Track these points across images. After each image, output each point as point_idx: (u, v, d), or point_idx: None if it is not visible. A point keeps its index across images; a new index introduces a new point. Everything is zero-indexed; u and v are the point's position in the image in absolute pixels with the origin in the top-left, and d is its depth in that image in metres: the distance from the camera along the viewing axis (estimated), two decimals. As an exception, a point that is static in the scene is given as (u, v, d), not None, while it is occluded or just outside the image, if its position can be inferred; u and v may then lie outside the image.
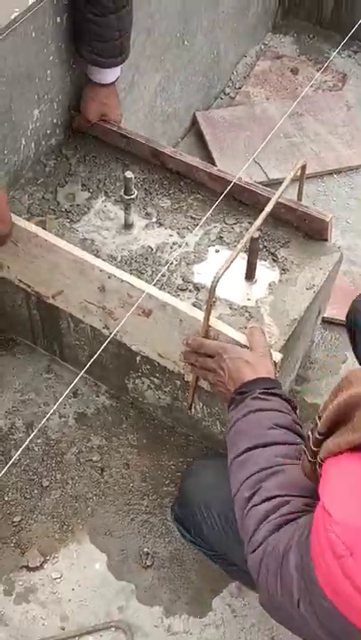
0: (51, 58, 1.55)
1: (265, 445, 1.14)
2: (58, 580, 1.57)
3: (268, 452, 1.14)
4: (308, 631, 0.93)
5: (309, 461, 0.98)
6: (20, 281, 1.62)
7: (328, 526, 0.79)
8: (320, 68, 2.52)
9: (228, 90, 2.53)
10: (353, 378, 0.86)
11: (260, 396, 1.21)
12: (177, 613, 1.55)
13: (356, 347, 1.58)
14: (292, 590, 0.92)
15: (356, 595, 0.76)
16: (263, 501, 1.07)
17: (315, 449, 0.95)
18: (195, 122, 2.38)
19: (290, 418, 1.19)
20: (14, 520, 1.63)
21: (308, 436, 0.98)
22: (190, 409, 1.64)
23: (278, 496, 1.07)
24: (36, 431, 1.72)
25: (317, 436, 0.93)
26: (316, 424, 0.94)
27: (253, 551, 1.03)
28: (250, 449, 1.15)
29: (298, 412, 1.26)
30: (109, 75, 1.61)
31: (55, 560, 1.60)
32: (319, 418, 0.94)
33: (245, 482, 1.11)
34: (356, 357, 1.60)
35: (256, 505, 1.07)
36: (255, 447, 1.15)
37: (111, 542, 1.62)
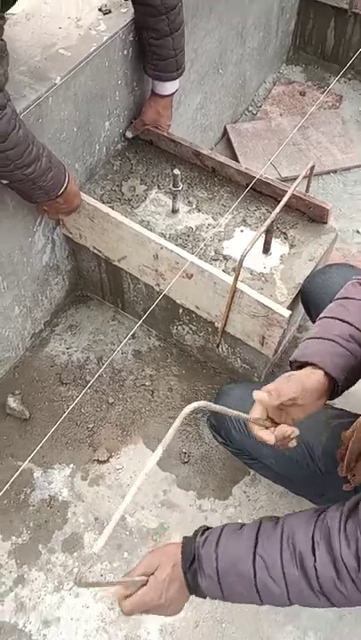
0: (119, 82, 1.53)
1: (258, 531, 0.93)
2: (120, 470, 1.59)
3: (268, 526, 0.93)
4: None
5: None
6: (95, 247, 1.62)
7: None
8: (323, 92, 2.48)
9: (251, 108, 2.48)
10: None
11: (203, 530, 0.98)
12: (206, 497, 1.56)
13: (311, 316, 1.44)
14: None
15: None
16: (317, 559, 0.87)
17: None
18: (225, 132, 2.33)
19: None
20: (89, 426, 1.66)
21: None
22: (218, 348, 1.64)
23: (304, 540, 0.89)
24: (106, 364, 1.74)
25: None
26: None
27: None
28: (255, 547, 0.91)
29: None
30: (168, 87, 1.56)
31: (118, 456, 1.62)
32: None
33: (286, 567, 0.88)
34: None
35: (314, 564, 0.87)
36: (256, 538, 0.92)
37: (158, 444, 1.64)
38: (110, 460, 1.60)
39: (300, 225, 1.56)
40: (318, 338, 1.01)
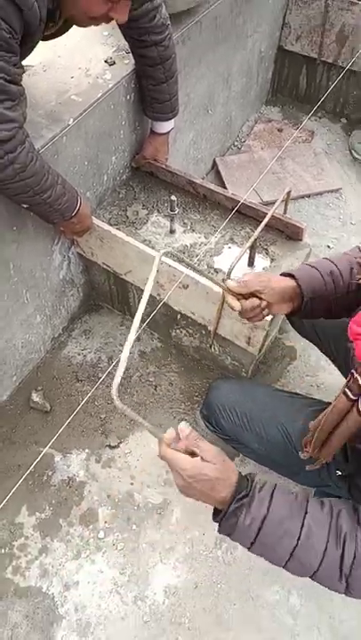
0: (123, 122, 1.54)
1: (307, 507, 0.84)
2: (128, 454, 1.60)
3: (315, 508, 0.84)
4: None
5: (349, 400, 0.82)
6: (104, 263, 1.63)
7: None
8: (297, 128, 2.48)
9: (236, 143, 2.48)
10: None
11: (261, 486, 0.85)
12: (202, 476, 1.57)
13: (293, 323, 1.46)
14: None
15: None
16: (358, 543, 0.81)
17: None
18: (214, 164, 2.34)
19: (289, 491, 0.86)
20: (101, 417, 1.66)
21: (353, 375, 0.81)
22: (211, 348, 1.65)
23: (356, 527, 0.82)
24: (114, 363, 1.74)
25: None
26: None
27: None
28: (303, 523, 0.82)
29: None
30: (165, 126, 1.57)
31: (127, 442, 1.62)
32: None
33: (327, 548, 0.81)
34: (296, 330, 1.48)
35: (355, 549, 0.80)
36: (305, 514, 0.83)
37: (161, 431, 1.63)
38: (120, 445, 1.61)
39: (279, 242, 1.57)
40: (307, 264, 1.09)
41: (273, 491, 0.84)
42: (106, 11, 1.08)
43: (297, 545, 0.80)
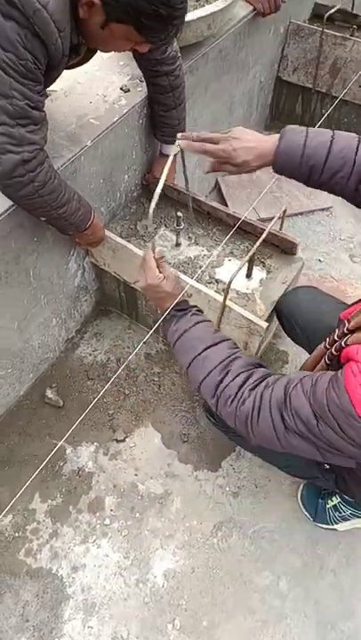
0: (135, 144, 1.53)
1: (219, 342, 0.97)
2: (133, 448, 1.59)
3: (223, 347, 0.97)
4: (304, 449, 0.83)
5: (326, 349, 0.92)
6: (115, 273, 1.62)
7: None
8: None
9: (237, 164, 2.47)
10: None
11: (196, 312, 1.05)
12: (201, 469, 1.56)
13: (284, 327, 1.43)
14: (304, 418, 0.80)
15: None
16: (236, 377, 0.91)
17: (337, 339, 0.89)
18: (217, 183, 2.33)
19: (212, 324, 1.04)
20: (109, 412, 1.65)
21: (330, 337, 0.92)
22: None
23: (245, 371, 0.92)
24: (124, 365, 1.74)
25: (345, 331, 0.88)
26: (344, 324, 0.88)
27: (243, 403, 0.88)
28: (208, 347, 0.96)
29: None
30: (173, 149, 1.55)
31: (132, 436, 1.61)
32: (348, 321, 0.88)
33: (214, 370, 0.93)
34: (286, 333, 1.45)
35: (232, 380, 0.91)
36: (212, 345, 0.96)
37: (164, 427, 1.63)
38: (126, 439, 1.60)
39: (274, 255, 1.56)
40: (302, 144, 0.93)
41: (201, 321, 1.01)
42: (128, 49, 1.08)
43: (194, 358, 0.96)
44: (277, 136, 0.95)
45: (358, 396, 0.73)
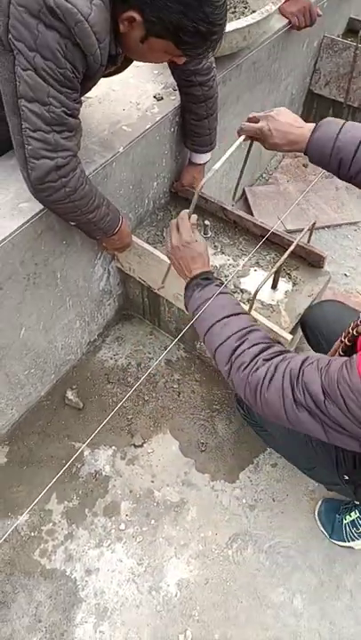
0: (165, 152, 1.54)
1: (240, 314, 0.98)
2: (151, 454, 1.58)
3: (245, 318, 0.97)
4: (310, 425, 0.83)
5: (341, 342, 0.94)
6: (140, 278, 1.62)
7: None
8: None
9: (264, 175, 2.47)
10: None
11: (220, 284, 1.04)
12: (218, 479, 1.54)
13: (309, 340, 1.42)
14: (313, 393, 0.80)
15: None
16: (253, 345, 0.92)
17: (351, 331, 0.92)
18: (244, 193, 2.33)
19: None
20: (128, 417, 1.65)
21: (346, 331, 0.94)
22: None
23: (263, 342, 0.93)
24: (148, 372, 1.74)
25: (358, 322, 0.90)
26: (358, 316, 0.91)
27: (256, 370, 0.88)
28: (229, 316, 0.97)
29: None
30: (202, 158, 1.57)
31: (150, 442, 1.61)
32: None
33: (232, 336, 0.94)
34: (311, 347, 1.44)
35: (248, 348, 0.91)
36: (234, 314, 0.97)
37: (182, 435, 1.62)
38: (144, 444, 1.60)
39: (301, 268, 1.55)
40: (332, 139, 0.98)
41: (225, 292, 1.02)
42: (165, 61, 1.09)
43: (214, 324, 0.96)
44: (313, 125, 1.00)
45: None
